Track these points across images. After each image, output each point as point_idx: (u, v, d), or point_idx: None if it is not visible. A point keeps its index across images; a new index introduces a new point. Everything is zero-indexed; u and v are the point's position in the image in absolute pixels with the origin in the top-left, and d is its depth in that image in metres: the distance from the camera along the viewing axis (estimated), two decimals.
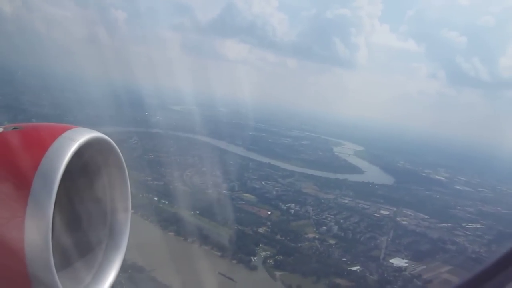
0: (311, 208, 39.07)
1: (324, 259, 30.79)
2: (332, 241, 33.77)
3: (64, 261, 2.20)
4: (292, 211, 38.25)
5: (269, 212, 37.32)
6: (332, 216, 38.39)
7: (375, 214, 40.80)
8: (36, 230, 1.81)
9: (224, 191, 39.05)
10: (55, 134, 2.02)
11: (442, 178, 59.37)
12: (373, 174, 56.69)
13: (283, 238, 33.16)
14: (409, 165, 63.86)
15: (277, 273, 28.07)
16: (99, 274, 2.36)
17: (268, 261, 29.35)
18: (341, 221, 37.62)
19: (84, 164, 2.31)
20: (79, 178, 2.35)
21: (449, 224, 41.09)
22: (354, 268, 29.93)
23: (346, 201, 43.13)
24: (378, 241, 35.25)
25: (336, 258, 31.21)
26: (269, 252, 30.60)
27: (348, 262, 30.84)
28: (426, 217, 41.87)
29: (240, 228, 33.21)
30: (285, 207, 38.72)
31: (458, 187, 55.62)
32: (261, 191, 41.83)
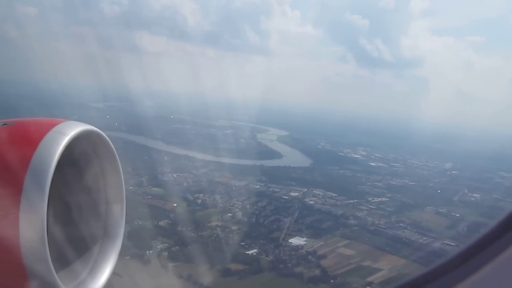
0: (219, 196, 39.30)
1: (222, 246, 31.13)
2: (234, 227, 34.21)
3: (60, 256, 2.12)
4: (199, 201, 38.28)
5: (175, 204, 37.13)
6: (240, 203, 38.82)
7: (284, 197, 41.73)
8: (31, 226, 1.76)
9: (131, 187, 38.36)
10: (45, 128, 1.97)
11: (359, 156, 61.65)
12: (292, 158, 57.95)
13: (184, 229, 33.18)
14: (329, 146, 65.71)
15: (171, 264, 28.07)
16: (95, 268, 2.30)
17: (163, 254, 29.27)
18: (248, 206, 38.16)
19: (76, 158, 2.25)
20: (72, 172, 2.28)
21: (356, 200, 42.78)
22: (250, 252, 30.52)
23: (257, 187, 43.75)
24: (281, 222, 36.09)
25: (235, 244, 31.66)
26: (166, 244, 30.51)
27: (246, 246, 31.38)
28: (334, 195, 43.33)
29: (140, 223, 32.80)
30: (192, 198, 38.69)
31: (372, 164, 58.05)
32: (170, 184, 41.51)
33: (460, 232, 38.69)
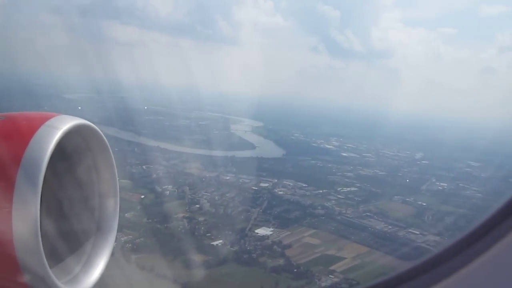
0: (187, 188, 39.22)
1: (187, 237, 31.15)
2: (201, 218, 34.26)
3: (54, 250, 2.08)
4: (168, 192, 38.14)
5: (142, 196, 36.90)
6: (209, 194, 38.86)
7: (254, 188, 41.88)
8: (24, 221, 1.73)
9: None
10: (38, 122, 1.94)
11: (331, 146, 62.19)
12: (265, 149, 58.15)
13: (150, 220, 33.08)
14: (303, 137, 66.07)
15: (134, 256, 27.99)
16: (88, 262, 2.26)
17: (126, 245, 29.14)
18: (216, 198, 38.22)
19: (69, 152, 2.22)
20: (65, 166, 2.24)
21: (325, 190, 43.24)
22: (215, 243, 30.64)
23: (227, 178, 43.80)
24: (249, 213, 36.29)
25: (200, 235, 31.74)
26: (130, 236, 30.37)
27: (212, 237, 31.49)
28: (304, 185, 43.69)
29: None
30: (161, 190, 38.50)
31: (344, 154, 58.66)
32: (139, 175, 41.18)
33: (424, 220, 39.64)
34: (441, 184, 50.37)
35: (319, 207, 39.01)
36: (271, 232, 33.20)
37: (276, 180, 44.24)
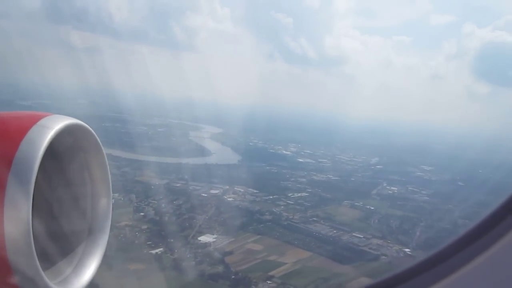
0: (134, 196, 38.70)
1: (126, 246, 30.71)
2: (144, 226, 33.86)
3: (45, 252, 2.03)
4: (113, 200, 37.37)
5: None
6: (155, 202, 38.44)
7: (203, 194, 41.71)
8: (16, 222, 1.69)
9: None
10: (30, 122, 1.90)
11: (289, 153, 62.78)
12: (221, 155, 58.12)
13: None
14: (261, 143, 66.38)
15: None
16: (80, 263, 2.22)
17: None
18: (163, 205, 37.85)
19: (61, 152, 2.17)
20: (57, 167, 2.20)
21: (275, 196, 43.53)
22: (155, 251, 30.33)
23: (178, 185, 43.51)
24: (194, 220, 36.12)
25: (141, 243, 31.36)
26: None
27: (152, 245, 31.15)
28: (255, 191, 43.88)
29: None
30: None
31: (300, 160, 59.30)
32: None
33: (370, 224, 40.42)
34: (392, 188, 51.53)
35: (266, 213, 39.23)
36: (214, 239, 33.13)
37: (227, 187, 44.23)
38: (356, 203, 44.58)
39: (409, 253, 34.25)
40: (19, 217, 1.75)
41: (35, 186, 1.80)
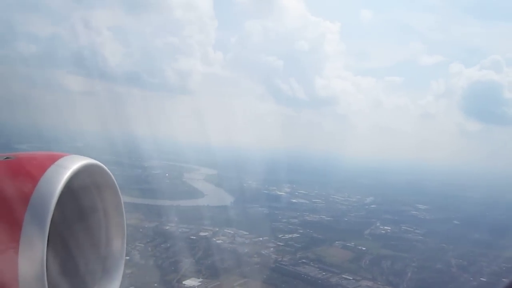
0: None
1: None
2: (128, 271, 33.34)
3: None
4: None
5: None
6: (142, 245, 38.07)
7: (192, 237, 41.32)
8: (30, 262, 1.70)
9: None
10: (48, 162, 1.92)
11: (283, 193, 62.62)
12: (214, 197, 57.99)
13: None
14: (256, 184, 66.32)
15: None
16: None
17: None
18: (149, 249, 37.47)
19: (78, 192, 2.19)
20: (73, 207, 2.22)
21: (265, 238, 43.05)
22: None
23: (167, 228, 43.23)
24: (181, 264, 35.60)
25: None
26: None
27: None
28: (245, 233, 43.41)
29: None
30: None
31: (294, 200, 59.06)
32: None
33: (361, 265, 39.70)
34: (385, 227, 50.98)
35: (255, 255, 38.65)
36: (199, 283, 32.54)
37: (217, 229, 43.89)
38: (348, 244, 43.98)
39: None
40: (33, 256, 1.74)
41: (51, 224, 1.79)
